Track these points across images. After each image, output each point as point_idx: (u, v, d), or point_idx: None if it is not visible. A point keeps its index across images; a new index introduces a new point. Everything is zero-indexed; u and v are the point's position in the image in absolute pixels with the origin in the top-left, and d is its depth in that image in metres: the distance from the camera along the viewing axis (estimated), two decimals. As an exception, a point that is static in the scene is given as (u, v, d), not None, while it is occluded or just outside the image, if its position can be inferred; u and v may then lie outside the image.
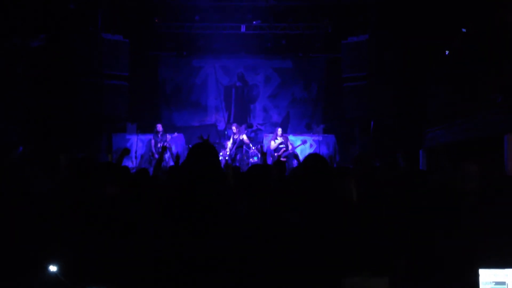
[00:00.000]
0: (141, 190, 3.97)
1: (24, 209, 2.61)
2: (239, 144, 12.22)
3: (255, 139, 14.15)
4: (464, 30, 9.41)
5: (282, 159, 11.35)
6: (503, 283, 2.40)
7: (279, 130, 12.06)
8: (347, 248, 2.71)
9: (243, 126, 14.41)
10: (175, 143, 13.04)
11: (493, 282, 2.40)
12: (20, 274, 2.46)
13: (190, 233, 2.51)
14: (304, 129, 14.62)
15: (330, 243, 2.68)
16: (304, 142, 12.63)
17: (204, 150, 2.76)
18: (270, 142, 12.12)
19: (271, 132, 13.80)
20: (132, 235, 2.67)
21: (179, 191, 2.72)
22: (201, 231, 2.52)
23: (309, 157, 3.15)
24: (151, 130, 13.26)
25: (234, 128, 12.39)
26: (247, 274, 2.56)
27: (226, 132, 14.21)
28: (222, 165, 4.06)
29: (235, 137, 12.23)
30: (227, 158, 12.15)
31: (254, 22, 14.18)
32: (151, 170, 5.98)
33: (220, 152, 12.87)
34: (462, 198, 3.72)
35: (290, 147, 11.91)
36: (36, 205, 2.62)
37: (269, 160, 11.13)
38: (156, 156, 12.17)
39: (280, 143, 11.83)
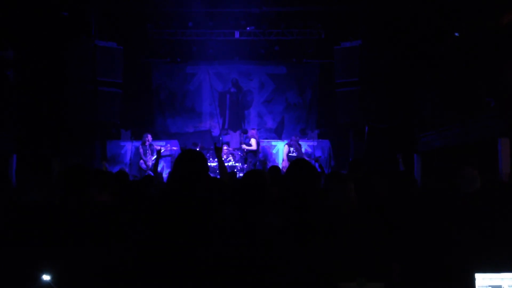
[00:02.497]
0: (134, 197, 3.95)
1: (17, 218, 2.59)
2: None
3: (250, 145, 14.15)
4: (457, 34, 9.46)
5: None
6: (499, 287, 2.40)
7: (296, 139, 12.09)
8: (342, 253, 2.70)
9: (238, 132, 14.43)
10: (171, 150, 12.99)
11: (489, 286, 2.39)
12: (14, 284, 2.43)
13: (178, 239, 2.49)
14: (299, 134, 14.63)
15: (325, 249, 2.67)
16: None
17: (190, 157, 2.74)
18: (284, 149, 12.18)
19: (266, 138, 13.83)
20: (124, 242, 2.65)
21: (166, 197, 2.71)
22: (188, 237, 2.51)
23: (294, 162, 3.15)
24: (146, 136, 13.23)
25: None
26: (237, 281, 2.55)
27: (221, 138, 14.21)
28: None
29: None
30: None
31: (247, 28, 14.21)
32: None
33: (215, 158, 12.86)
34: (457, 203, 3.73)
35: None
36: (29, 214, 2.60)
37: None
38: (149, 164, 12.12)
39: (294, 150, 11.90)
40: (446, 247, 2.82)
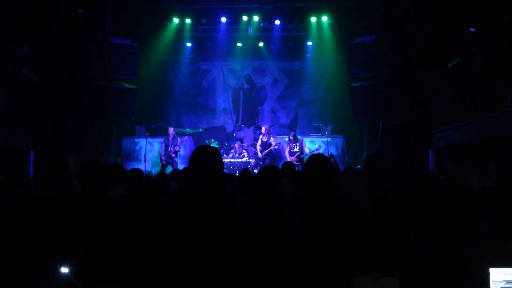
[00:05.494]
0: (150, 192, 4.00)
1: (35, 212, 2.64)
2: (268, 147, 12.24)
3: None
4: (472, 29, 9.35)
5: (294, 162, 11.38)
6: (513, 282, 2.39)
7: (291, 135, 12.13)
8: (356, 248, 2.71)
9: (251, 128, 14.42)
10: (184, 146, 13.09)
11: (504, 281, 2.39)
12: (32, 276, 2.48)
13: (193, 234, 2.52)
14: (313, 130, 14.60)
15: (338, 244, 2.69)
16: (319, 148, 12.63)
17: (205, 152, 2.76)
18: (287, 146, 12.22)
19: (279, 134, 13.83)
20: (140, 236, 2.69)
21: (182, 192, 2.73)
22: (203, 232, 2.53)
23: (311, 158, 3.15)
24: (160, 133, 13.32)
25: (263, 128, 12.46)
26: (253, 275, 2.57)
27: (234, 134, 14.25)
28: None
29: (264, 139, 12.25)
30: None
31: (261, 24, 14.22)
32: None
33: (229, 154, 12.91)
34: (472, 197, 3.71)
35: (307, 150, 11.97)
36: (47, 208, 2.65)
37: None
38: (164, 158, 12.24)
39: (295, 147, 11.92)
40: (460, 242, 2.81)
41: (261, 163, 12.33)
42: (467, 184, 4.01)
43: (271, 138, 12.40)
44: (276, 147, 12.48)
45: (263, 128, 12.56)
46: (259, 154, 12.26)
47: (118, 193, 3.70)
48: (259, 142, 12.45)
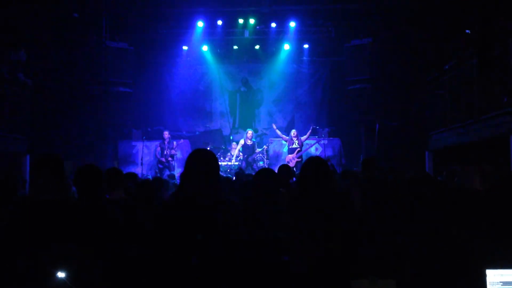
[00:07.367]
0: (146, 195, 4.00)
1: (32, 216, 2.64)
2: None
3: (261, 144, 14.14)
4: (468, 31, 9.40)
5: (297, 159, 11.48)
6: (510, 283, 2.39)
7: (293, 132, 12.15)
8: (354, 251, 2.72)
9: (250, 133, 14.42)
10: (181, 150, 13.07)
11: (500, 282, 2.39)
12: (29, 281, 2.47)
13: (190, 237, 2.52)
14: (310, 133, 14.59)
15: (336, 246, 2.69)
16: (317, 142, 12.73)
17: (201, 156, 2.76)
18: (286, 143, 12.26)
19: (276, 137, 13.83)
20: (138, 240, 2.69)
21: (179, 196, 2.74)
22: (201, 236, 2.53)
23: (308, 160, 3.15)
24: (157, 136, 13.30)
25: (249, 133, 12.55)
26: (249, 276, 2.57)
27: (231, 138, 14.22)
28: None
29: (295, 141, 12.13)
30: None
31: (257, 27, 14.23)
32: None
33: (226, 157, 12.89)
34: (468, 199, 3.71)
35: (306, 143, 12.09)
36: (44, 211, 2.65)
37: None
38: (163, 159, 12.24)
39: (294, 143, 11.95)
40: (457, 243, 2.82)
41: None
42: (469, 187, 4.00)
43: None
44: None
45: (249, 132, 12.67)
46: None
47: (119, 197, 3.70)
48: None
